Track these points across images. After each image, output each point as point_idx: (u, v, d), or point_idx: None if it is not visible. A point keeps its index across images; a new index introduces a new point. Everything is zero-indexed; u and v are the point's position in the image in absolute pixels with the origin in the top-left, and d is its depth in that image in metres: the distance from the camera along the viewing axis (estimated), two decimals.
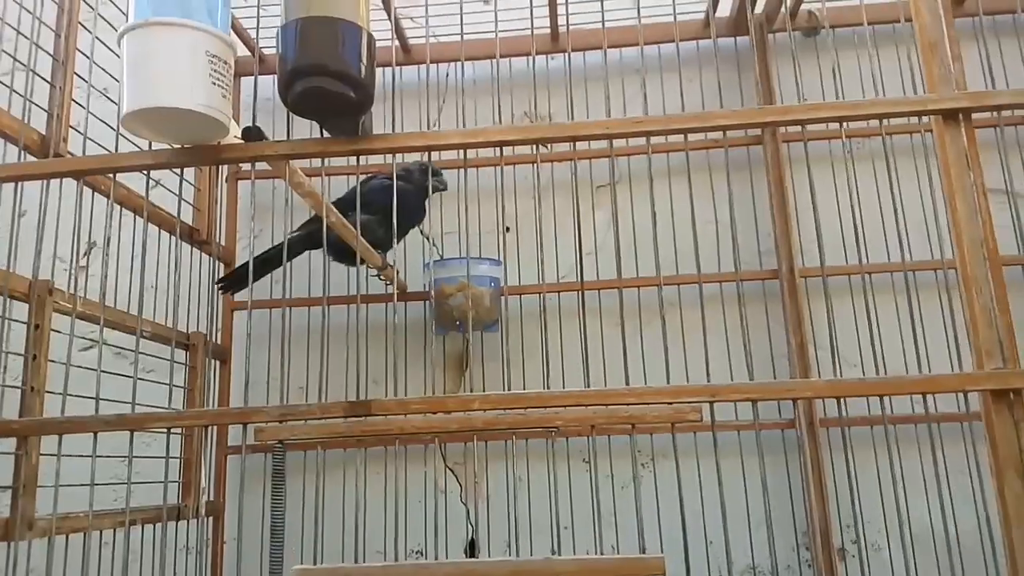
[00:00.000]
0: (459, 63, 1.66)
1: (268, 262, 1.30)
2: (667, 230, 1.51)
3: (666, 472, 1.48)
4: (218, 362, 1.53)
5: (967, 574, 1.33)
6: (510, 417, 0.76)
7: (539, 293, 1.52)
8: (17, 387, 0.96)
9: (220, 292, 1.45)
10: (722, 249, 1.53)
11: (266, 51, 1.57)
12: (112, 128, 1.13)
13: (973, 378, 0.74)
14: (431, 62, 1.65)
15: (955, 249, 0.79)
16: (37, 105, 1.02)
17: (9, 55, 0.99)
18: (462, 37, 0.98)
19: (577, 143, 0.90)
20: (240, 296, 1.58)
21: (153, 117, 0.78)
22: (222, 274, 1.56)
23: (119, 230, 1.28)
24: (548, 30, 1.61)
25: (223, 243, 1.56)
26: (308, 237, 1.32)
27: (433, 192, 1.43)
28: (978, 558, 1.32)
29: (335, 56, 0.76)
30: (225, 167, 1.59)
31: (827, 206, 1.50)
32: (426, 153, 0.84)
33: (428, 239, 1.56)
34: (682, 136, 1.56)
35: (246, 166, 1.61)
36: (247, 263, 1.06)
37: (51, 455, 0.96)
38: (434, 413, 0.77)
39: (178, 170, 1.29)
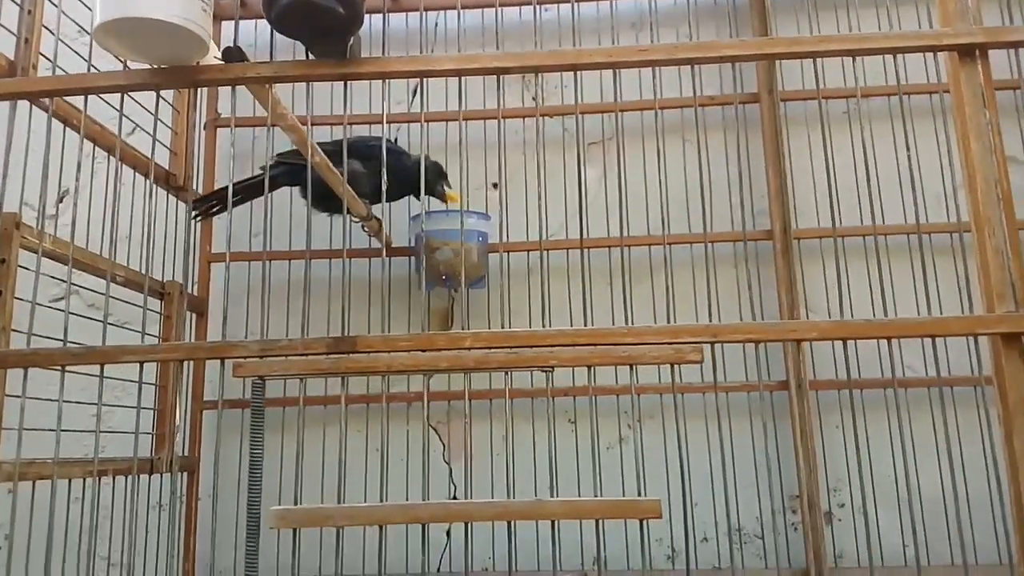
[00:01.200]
0: (446, 12, 1.61)
1: (250, 188, 1.25)
2: (659, 189, 1.48)
3: (653, 433, 1.45)
4: (195, 315, 1.48)
5: (955, 537, 1.32)
6: (502, 355, 0.73)
7: (527, 251, 1.50)
8: None
9: (195, 218, 1.39)
10: (715, 209, 1.50)
11: None
12: (85, 60, 1.08)
13: (984, 321, 0.71)
14: (423, 10, 1.59)
15: (968, 191, 0.76)
16: (5, 28, 0.96)
17: None
18: None
19: (576, 98, 0.87)
20: (218, 247, 1.53)
21: (128, 30, 0.73)
22: (200, 225, 1.51)
23: (92, 169, 1.23)
24: None
25: (201, 191, 1.50)
26: (290, 172, 1.27)
27: (435, 195, 1.38)
28: (964, 520, 1.32)
29: None
30: (204, 112, 1.54)
31: (820, 166, 1.48)
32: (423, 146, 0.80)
33: (417, 196, 1.51)
34: (679, 93, 1.53)
35: (226, 113, 1.56)
36: (225, 187, 1.02)
37: (17, 396, 0.92)
38: (422, 351, 0.73)
39: (155, 110, 1.24)
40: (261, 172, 1.32)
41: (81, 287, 1.49)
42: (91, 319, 1.14)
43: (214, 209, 1.36)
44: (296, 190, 1.39)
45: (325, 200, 1.25)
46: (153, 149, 0.97)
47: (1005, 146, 1.43)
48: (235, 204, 1.28)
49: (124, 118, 1.22)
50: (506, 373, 0.76)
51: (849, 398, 0.84)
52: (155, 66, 0.79)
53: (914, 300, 1.06)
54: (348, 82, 0.80)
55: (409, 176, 1.24)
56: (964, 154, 0.75)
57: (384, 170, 0.82)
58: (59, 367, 0.75)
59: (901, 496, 1.30)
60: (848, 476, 1.42)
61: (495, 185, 1.56)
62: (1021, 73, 1.46)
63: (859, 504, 1.42)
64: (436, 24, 1.63)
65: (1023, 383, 0.69)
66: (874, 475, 1.36)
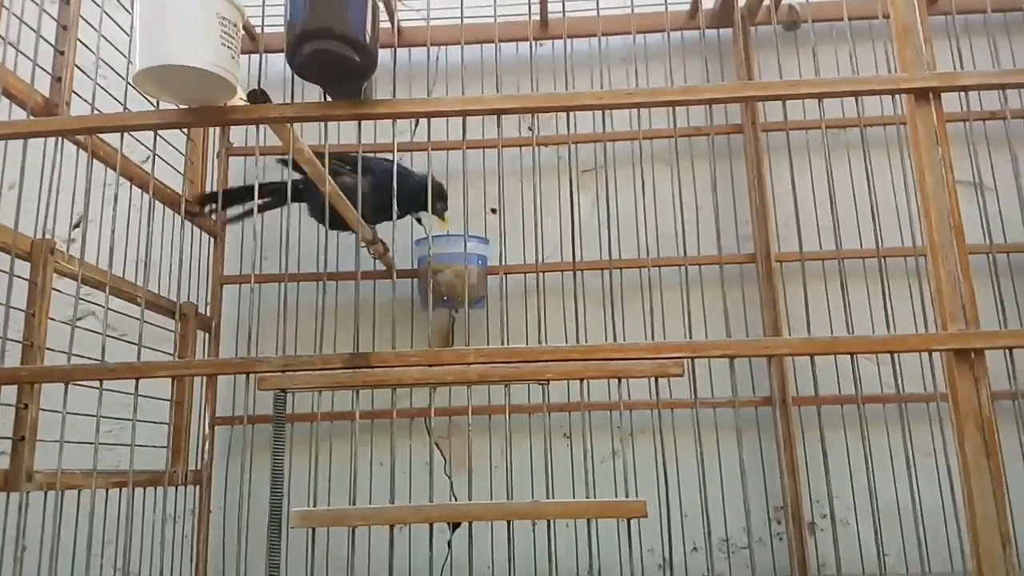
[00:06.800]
0: (446, 48, 1.70)
1: (264, 193, 1.33)
2: (649, 214, 1.56)
3: (643, 448, 1.52)
4: (205, 334, 1.55)
5: (930, 547, 1.38)
6: (503, 370, 0.80)
7: (524, 273, 1.58)
8: (19, 341, 0.99)
9: (201, 210, 1.45)
10: (702, 233, 1.58)
11: (269, 30, 1.60)
12: (112, 96, 1.16)
13: (938, 338, 0.79)
14: (422, 46, 1.68)
15: (924, 221, 0.84)
16: (42, 68, 1.04)
17: (17, 17, 1.01)
18: (462, 21, 1.01)
19: (568, 128, 0.95)
20: (229, 270, 1.60)
21: (164, 75, 0.80)
22: (211, 246, 1.59)
23: (115, 193, 1.30)
24: (538, 17, 1.66)
25: (214, 218, 1.58)
26: (301, 188, 1.33)
27: (432, 212, 1.46)
28: (941, 531, 1.38)
29: (341, 20, 0.80)
30: (217, 143, 1.61)
31: (803, 194, 1.56)
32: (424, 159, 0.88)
33: (418, 220, 1.59)
34: (667, 123, 1.61)
35: (239, 143, 1.64)
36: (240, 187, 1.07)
37: (50, 411, 0.99)
38: (430, 366, 0.80)
39: (174, 143, 1.32)
40: (277, 182, 1.41)
41: (98, 306, 1.56)
42: (114, 337, 1.21)
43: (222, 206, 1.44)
44: (305, 209, 1.46)
45: (332, 220, 1.33)
46: (184, 188, 1.05)
47: (977, 172, 1.52)
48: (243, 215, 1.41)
49: (139, 144, 1.30)
50: (506, 386, 0.83)
51: (817, 415, 0.90)
52: (186, 107, 0.86)
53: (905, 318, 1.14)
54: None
55: (414, 195, 1.33)
56: (920, 187, 0.83)
57: (395, 188, 0.90)
58: (97, 382, 0.82)
59: (880, 507, 1.37)
60: (828, 488, 1.49)
61: (493, 210, 1.64)
62: (1006, 103, 1.54)
63: (840, 515, 1.48)
64: (437, 58, 1.72)
65: (972, 395, 0.77)
66: (854, 487, 1.43)
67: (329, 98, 0.88)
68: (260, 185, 1.35)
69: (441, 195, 1.48)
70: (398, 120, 1.55)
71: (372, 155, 1.47)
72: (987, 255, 1.50)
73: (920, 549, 1.32)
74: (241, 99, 0.88)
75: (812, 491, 1.49)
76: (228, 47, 0.81)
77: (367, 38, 0.81)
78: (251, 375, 0.80)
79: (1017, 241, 1.53)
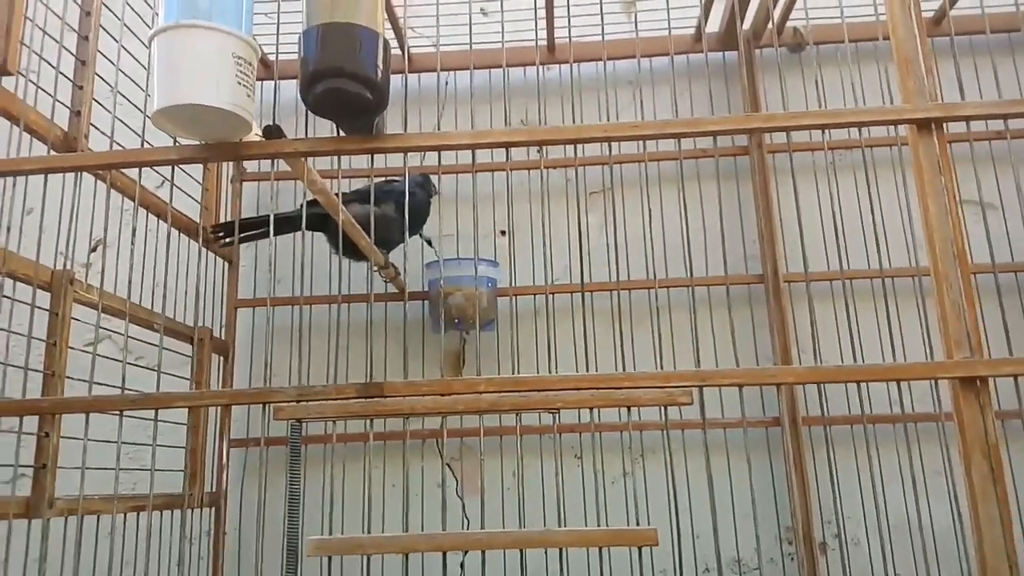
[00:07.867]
0: (454, 72, 1.73)
1: (279, 224, 1.33)
2: (657, 235, 1.58)
3: (655, 468, 1.53)
4: (221, 358, 1.57)
5: (941, 566, 1.38)
6: (513, 399, 0.81)
7: (534, 295, 1.60)
8: (40, 371, 1.01)
9: (213, 238, 1.43)
10: (709, 254, 1.59)
11: (282, 57, 1.63)
12: (130, 128, 1.19)
13: (943, 366, 0.80)
14: (431, 71, 1.70)
15: (928, 249, 0.85)
16: (61, 103, 1.07)
17: (36, 53, 1.04)
18: (471, 47, 1.03)
19: (576, 152, 0.97)
20: (244, 293, 1.62)
21: (181, 114, 0.83)
22: (225, 271, 1.61)
23: (134, 225, 1.33)
24: (545, 43, 1.68)
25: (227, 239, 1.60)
26: (319, 218, 1.32)
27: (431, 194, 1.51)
28: (952, 551, 1.38)
29: (354, 59, 0.82)
30: (231, 169, 1.64)
31: (810, 214, 1.58)
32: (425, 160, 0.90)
33: (428, 243, 1.60)
34: (673, 146, 1.63)
35: (251, 168, 1.66)
36: (252, 218, 1.07)
37: (71, 438, 1.01)
38: (442, 395, 0.82)
39: (190, 171, 1.34)
40: (294, 210, 1.42)
41: (116, 332, 1.59)
42: (131, 364, 1.23)
43: (227, 238, 1.44)
44: (324, 237, 1.48)
45: (349, 249, 1.35)
46: (200, 216, 1.07)
47: (983, 192, 1.53)
48: (256, 237, 1.43)
49: (155, 172, 1.32)
50: (516, 414, 0.84)
51: (825, 435, 0.92)
52: (203, 142, 0.89)
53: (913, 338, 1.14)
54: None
55: (422, 213, 1.43)
56: (924, 216, 0.84)
57: (406, 212, 0.93)
58: (118, 412, 0.83)
59: (891, 527, 1.37)
60: (840, 508, 1.50)
61: (503, 233, 1.66)
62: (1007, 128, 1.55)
63: (852, 535, 1.49)
64: (447, 83, 1.74)
65: (978, 422, 0.78)
66: (865, 507, 1.43)
67: (342, 132, 0.90)
68: (277, 216, 1.37)
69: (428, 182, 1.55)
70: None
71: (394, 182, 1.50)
72: (992, 274, 1.52)
73: (929, 569, 1.33)
74: (256, 134, 0.90)
75: (823, 511, 1.50)
76: (244, 85, 0.83)
77: (378, 75, 0.83)
78: (267, 405, 0.82)
79: (1022, 260, 1.53)
